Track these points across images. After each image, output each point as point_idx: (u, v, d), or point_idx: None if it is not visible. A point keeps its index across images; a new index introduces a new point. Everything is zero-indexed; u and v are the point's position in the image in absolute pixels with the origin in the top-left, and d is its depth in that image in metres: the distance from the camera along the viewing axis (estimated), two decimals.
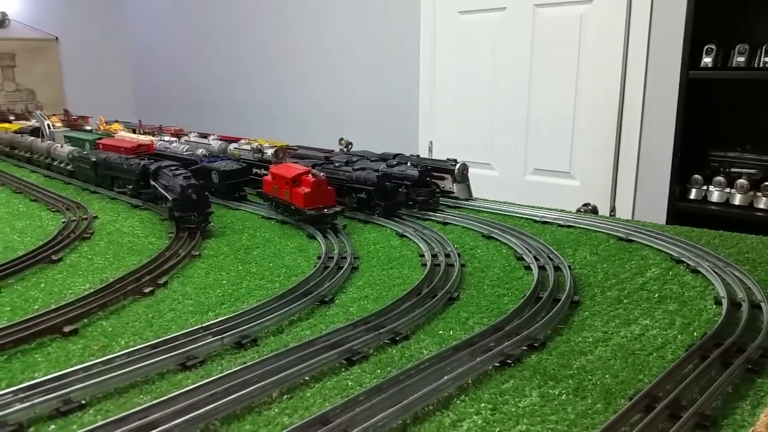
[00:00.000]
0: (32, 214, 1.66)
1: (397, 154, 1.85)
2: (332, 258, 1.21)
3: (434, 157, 1.77)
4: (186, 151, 2.05)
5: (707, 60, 2.44)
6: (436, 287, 1.06)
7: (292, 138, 3.06)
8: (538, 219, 1.57)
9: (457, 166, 1.73)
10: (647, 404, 0.70)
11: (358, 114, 3.98)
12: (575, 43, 2.98)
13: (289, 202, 1.45)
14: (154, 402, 0.66)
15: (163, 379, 0.75)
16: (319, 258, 1.23)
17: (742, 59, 2.41)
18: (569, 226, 1.51)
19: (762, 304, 0.97)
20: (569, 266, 1.18)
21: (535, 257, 1.23)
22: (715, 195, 2.53)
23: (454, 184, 1.72)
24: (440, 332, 0.92)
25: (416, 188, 1.61)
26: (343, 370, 0.79)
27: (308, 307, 0.99)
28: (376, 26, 3.78)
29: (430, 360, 0.79)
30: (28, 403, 0.67)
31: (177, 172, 1.47)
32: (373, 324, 0.89)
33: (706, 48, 2.44)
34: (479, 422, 0.68)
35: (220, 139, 2.21)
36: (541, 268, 1.17)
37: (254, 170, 1.79)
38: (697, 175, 2.57)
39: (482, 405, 0.72)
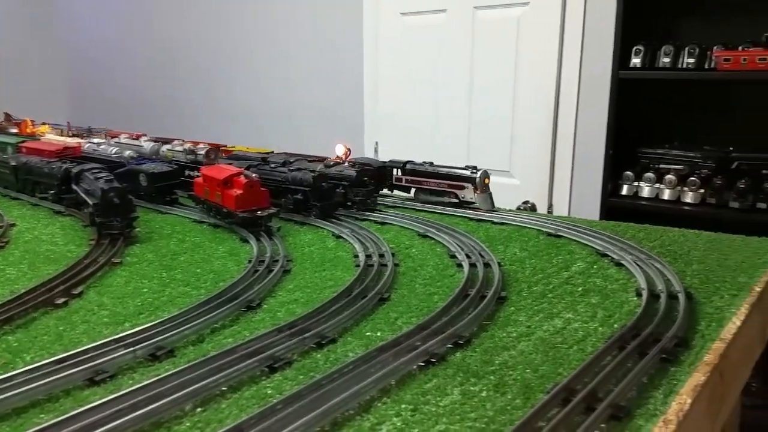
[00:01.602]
0: None
1: (407, 161, 1.72)
2: (263, 261, 1.18)
3: (451, 165, 1.66)
4: (115, 153, 1.97)
5: (636, 60, 2.53)
6: (368, 288, 1.05)
7: (241, 140, 3.00)
8: (473, 217, 1.58)
9: (479, 174, 1.59)
10: (564, 398, 0.71)
11: (305, 115, 3.94)
12: (513, 45, 3.04)
13: (221, 204, 1.41)
14: (54, 421, 0.62)
15: (68, 396, 0.71)
16: (249, 262, 1.19)
17: (667, 60, 2.52)
18: (502, 223, 1.53)
19: (679, 294, 1.01)
20: (499, 263, 1.19)
21: (467, 255, 1.24)
22: (646, 190, 2.63)
23: (476, 194, 1.59)
24: (368, 334, 0.91)
25: (354, 188, 1.60)
26: (263, 378, 0.77)
27: (233, 314, 0.96)
28: (319, 27, 3.75)
29: (353, 363, 0.78)
30: None
31: (99, 175, 1.40)
32: (298, 328, 0.87)
33: (634, 49, 2.53)
34: (398, 424, 0.67)
35: (153, 141, 2.13)
36: (472, 265, 1.18)
37: (187, 172, 1.74)
38: (628, 172, 2.66)
39: (403, 406, 0.71)
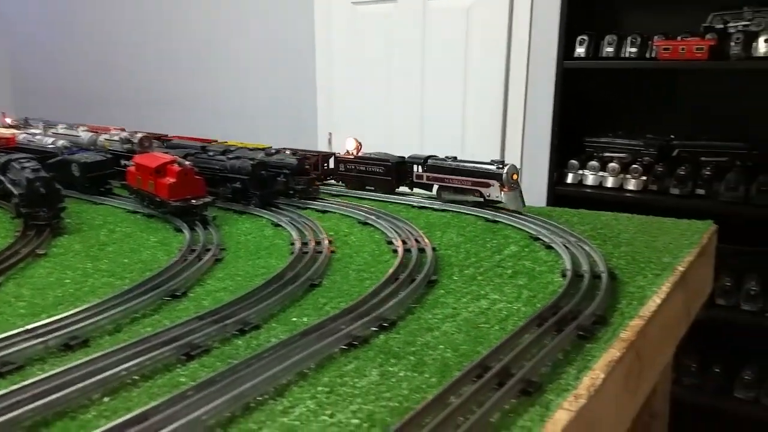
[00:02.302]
0: None
1: (429, 156, 1.58)
2: (195, 250, 1.16)
3: (473, 159, 1.52)
4: (50, 144, 1.90)
5: (580, 50, 2.58)
6: (299, 274, 1.05)
7: (191, 131, 2.92)
8: (415, 204, 1.59)
9: (505, 169, 1.41)
10: (478, 374, 0.72)
11: (258, 106, 3.88)
12: (463, 35, 3.06)
13: (154, 193, 1.38)
14: None
15: None
16: (180, 251, 1.17)
17: (610, 49, 2.58)
18: (444, 211, 1.54)
19: (602, 274, 1.03)
20: (434, 248, 1.20)
21: (403, 240, 1.24)
22: (590, 178, 2.70)
23: (503, 193, 1.41)
24: (294, 319, 0.90)
25: (295, 177, 1.59)
26: (178, 366, 0.75)
27: (155, 303, 0.94)
28: (271, 17, 3.69)
29: (273, 348, 0.77)
30: None
31: (26, 164, 1.35)
32: (220, 315, 0.86)
33: (579, 39, 2.58)
34: (312, 406, 0.67)
35: (90, 131, 2.07)
36: (407, 250, 1.18)
37: (123, 162, 1.69)
38: (573, 161, 2.72)
39: (319, 389, 0.71)
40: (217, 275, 1.08)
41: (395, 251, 1.21)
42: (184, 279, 1.01)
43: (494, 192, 1.44)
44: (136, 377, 0.72)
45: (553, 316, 0.87)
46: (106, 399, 0.67)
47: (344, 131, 3.57)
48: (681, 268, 1.19)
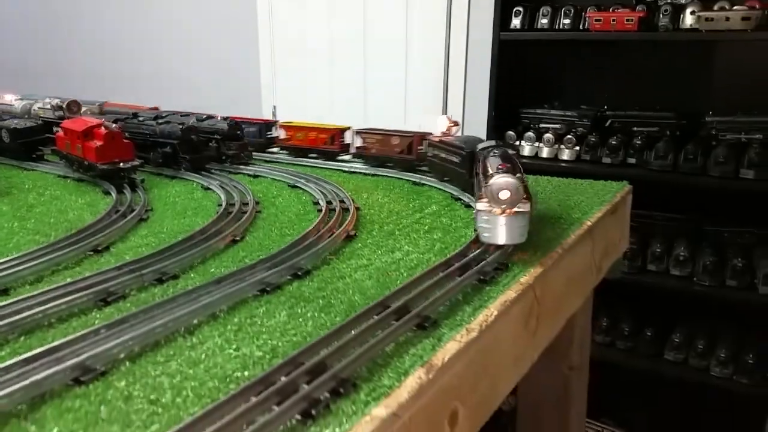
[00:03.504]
0: None
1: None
2: (119, 210, 1.18)
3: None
4: None
5: (516, 22, 2.65)
6: (221, 230, 1.08)
7: (133, 102, 2.86)
8: (346, 169, 1.64)
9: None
10: (378, 312, 0.78)
11: (203, 78, 3.81)
12: (404, 6, 3.09)
13: (82, 157, 1.38)
14: None
15: None
16: (105, 211, 1.19)
17: (545, 21, 2.66)
18: (374, 175, 1.59)
19: None
20: (357, 207, 1.25)
21: (328, 201, 1.29)
22: (527, 149, 2.80)
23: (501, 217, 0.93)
24: (212, 270, 0.95)
25: (227, 142, 1.61)
26: (95, 310, 0.79)
27: (77, 257, 0.96)
28: None
29: (188, 292, 0.81)
30: None
31: None
32: (139, 266, 0.89)
33: (515, 10, 2.65)
34: (219, 342, 0.72)
35: (24, 100, 2.02)
36: (332, 210, 1.23)
37: (55, 129, 1.67)
38: (510, 132, 2.81)
39: (228, 328, 0.76)
40: (140, 233, 1.11)
41: (320, 211, 1.25)
42: (107, 235, 1.04)
43: None
44: (53, 320, 0.75)
45: (458, 263, 0.94)
46: (22, 339, 0.71)
47: (288, 102, 3.57)
48: (589, 223, 1.28)
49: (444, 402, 0.70)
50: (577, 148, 2.75)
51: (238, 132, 1.59)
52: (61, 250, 0.94)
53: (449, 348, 0.73)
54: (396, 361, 0.68)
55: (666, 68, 2.75)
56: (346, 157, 1.72)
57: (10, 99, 2.12)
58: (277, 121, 1.85)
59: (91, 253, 0.98)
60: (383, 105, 3.25)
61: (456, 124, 1.47)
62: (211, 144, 1.54)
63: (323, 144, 1.73)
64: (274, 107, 3.61)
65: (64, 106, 1.71)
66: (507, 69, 2.72)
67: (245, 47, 3.61)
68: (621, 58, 2.85)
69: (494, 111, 2.73)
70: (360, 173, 1.59)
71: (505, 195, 0.90)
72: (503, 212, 0.92)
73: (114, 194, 1.28)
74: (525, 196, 0.92)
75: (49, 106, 1.91)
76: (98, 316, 0.77)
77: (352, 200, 1.29)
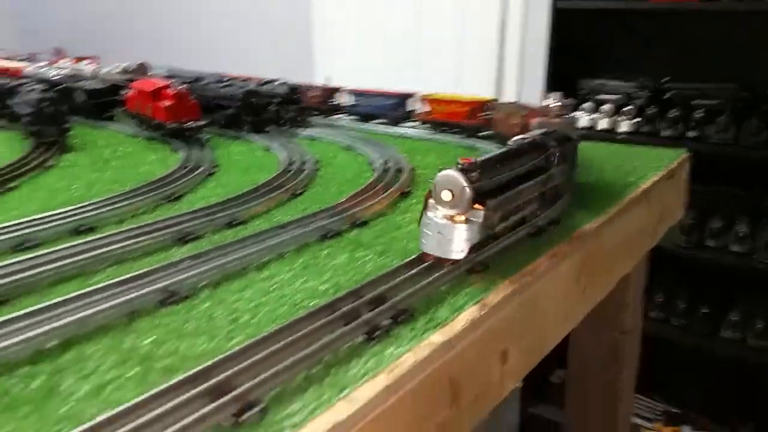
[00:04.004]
0: None
1: None
2: (188, 166, 1.26)
3: None
4: (54, 75, 1.98)
5: None
6: (283, 185, 1.15)
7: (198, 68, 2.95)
8: (400, 133, 1.68)
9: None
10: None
11: (253, 48, 3.90)
12: None
13: (152, 116, 1.47)
14: None
15: None
16: (176, 166, 1.27)
17: None
18: (428, 139, 1.63)
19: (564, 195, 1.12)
20: (412, 168, 1.29)
21: (384, 161, 1.34)
22: (584, 120, 2.75)
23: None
24: (276, 218, 1.01)
25: (286, 106, 1.67)
26: (174, 248, 0.86)
27: (153, 204, 1.04)
28: None
29: (257, 235, 0.88)
30: None
31: (34, 88, 1.44)
32: (211, 211, 0.97)
33: None
34: (288, 277, 0.78)
35: (94, 64, 2.14)
36: (386, 170, 1.28)
37: (122, 92, 1.77)
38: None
39: (296, 265, 0.82)
40: (209, 186, 1.19)
41: (375, 170, 1.30)
42: (179, 186, 1.12)
43: None
44: (138, 254, 0.83)
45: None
46: (113, 267, 0.79)
47: (342, 73, 3.60)
48: (644, 186, 1.28)
49: (495, 339, 0.74)
50: (636, 120, 2.69)
51: (296, 96, 1.65)
52: (138, 196, 1.02)
53: (501, 289, 0.76)
54: (451, 298, 0.72)
55: (727, 40, 2.63)
56: (407, 123, 1.75)
57: (79, 63, 2.25)
58: (415, 94, 1.72)
59: (165, 201, 1.06)
60: (436, 74, 3.25)
61: (563, 107, 1.28)
62: (270, 107, 1.60)
63: (465, 118, 1.55)
64: (328, 77, 3.65)
65: (133, 68, 1.81)
66: (563, 38, 2.67)
67: (298, 15, 3.65)
68: (680, 29, 2.75)
69: (551, 81, 2.69)
70: (417, 138, 1.62)
71: (447, 196, 0.74)
72: (446, 217, 0.74)
73: (182, 151, 1.36)
74: (475, 205, 0.73)
75: (117, 70, 2.02)
76: (178, 252, 0.84)
77: (408, 161, 1.32)
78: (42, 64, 2.26)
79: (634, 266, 1.40)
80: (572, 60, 2.81)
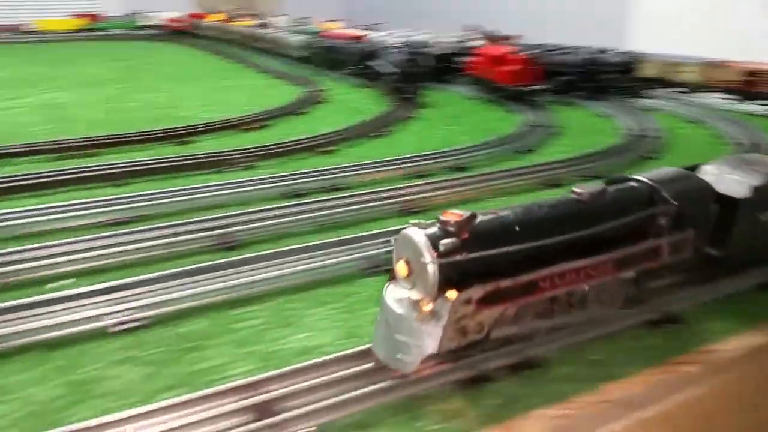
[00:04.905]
0: (279, 87, 2.03)
1: None
2: (531, 124, 1.35)
3: None
4: (396, 41, 2.26)
5: None
6: (629, 148, 1.16)
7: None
8: (760, 113, 1.54)
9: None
10: None
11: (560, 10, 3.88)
12: None
13: (495, 79, 1.59)
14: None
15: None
16: (520, 124, 1.37)
17: None
18: None
19: None
20: None
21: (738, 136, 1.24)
22: None
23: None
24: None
25: (621, 75, 1.64)
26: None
27: (510, 155, 1.15)
28: None
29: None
30: None
31: (396, 52, 1.68)
32: (570, 163, 1.04)
33: None
34: None
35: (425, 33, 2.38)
36: (739, 143, 1.19)
37: (455, 59, 1.95)
38: None
39: None
40: (553, 143, 1.26)
41: (726, 144, 1.21)
42: (526, 141, 1.21)
43: None
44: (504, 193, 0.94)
45: None
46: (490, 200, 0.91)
47: (656, 40, 3.30)
48: None
49: None
50: None
51: (632, 66, 1.60)
52: (494, 148, 1.13)
53: None
54: None
55: None
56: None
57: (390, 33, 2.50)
58: None
59: (522, 152, 1.15)
60: None
61: None
62: (606, 77, 1.59)
63: None
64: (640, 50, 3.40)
65: (475, 35, 1.96)
66: None
67: None
68: None
69: None
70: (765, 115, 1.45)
71: (402, 269, 0.45)
72: (404, 303, 0.45)
73: (524, 113, 1.45)
74: (445, 292, 0.43)
75: (449, 40, 2.21)
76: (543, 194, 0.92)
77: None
78: (380, 33, 2.60)
79: None
80: None
